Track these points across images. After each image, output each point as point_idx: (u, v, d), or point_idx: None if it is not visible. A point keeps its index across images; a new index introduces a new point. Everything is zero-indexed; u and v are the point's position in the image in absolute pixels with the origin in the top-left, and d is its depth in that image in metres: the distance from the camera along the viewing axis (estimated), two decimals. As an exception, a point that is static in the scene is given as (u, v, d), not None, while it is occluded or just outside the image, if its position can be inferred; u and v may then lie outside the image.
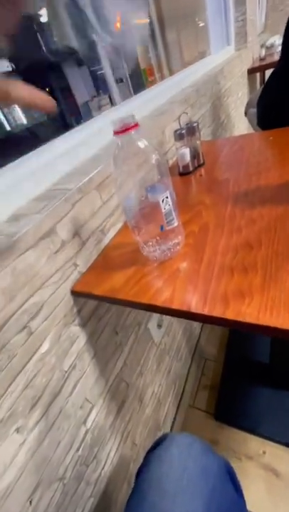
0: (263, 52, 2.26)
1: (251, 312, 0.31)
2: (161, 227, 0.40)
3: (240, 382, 1.03)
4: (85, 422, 0.52)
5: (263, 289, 0.34)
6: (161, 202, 0.37)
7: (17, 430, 0.39)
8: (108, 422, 0.59)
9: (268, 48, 2.31)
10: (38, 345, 0.41)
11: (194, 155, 0.71)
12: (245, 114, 1.22)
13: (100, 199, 0.53)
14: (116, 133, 0.32)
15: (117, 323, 0.60)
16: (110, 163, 0.37)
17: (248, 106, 1.18)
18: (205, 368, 1.13)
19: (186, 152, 0.68)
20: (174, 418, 0.95)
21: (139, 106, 0.83)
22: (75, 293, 0.46)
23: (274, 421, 0.91)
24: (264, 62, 2.10)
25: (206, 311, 0.33)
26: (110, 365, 0.59)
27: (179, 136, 0.67)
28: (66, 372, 0.47)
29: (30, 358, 0.40)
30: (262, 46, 2.32)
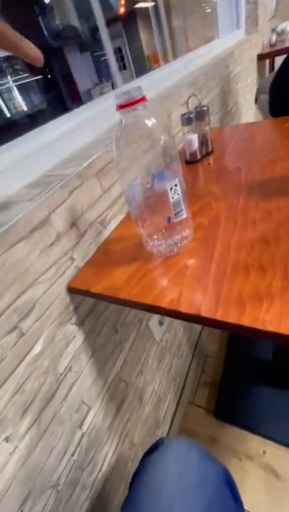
0: (274, 37, 2.15)
1: (271, 319, 0.27)
2: (168, 219, 0.36)
3: (241, 380, 1.00)
4: (81, 426, 0.49)
5: (284, 291, 0.30)
6: (169, 190, 0.33)
7: (6, 439, 0.35)
8: (106, 424, 0.56)
9: (278, 34, 2.20)
10: (29, 346, 0.37)
11: (202, 142, 0.66)
12: (256, 101, 1.15)
13: (101, 187, 0.48)
14: (120, 107, 0.27)
15: (117, 321, 0.56)
16: (112, 145, 0.33)
17: (259, 92, 1.12)
18: (206, 364, 1.10)
19: (194, 138, 0.63)
20: (174, 415, 0.93)
21: (145, 88, 0.77)
22: (71, 289, 0.42)
23: (275, 420, 0.88)
24: (274, 49, 2.00)
25: (218, 316, 0.29)
26: (109, 365, 0.55)
27: (186, 120, 0.61)
28: (61, 374, 0.43)
29: (21, 361, 0.36)
30: (273, 31, 2.21)
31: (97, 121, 0.58)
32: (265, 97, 1.03)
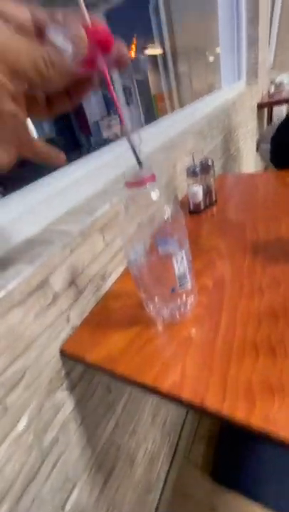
0: (272, 88, 2.32)
1: (284, 419, 0.24)
2: (173, 290, 0.34)
3: (240, 436, 0.93)
4: (63, 507, 0.43)
5: (297, 385, 0.27)
6: (175, 263, 0.31)
7: (-25, 539, 0.30)
8: (92, 499, 0.50)
9: (276, 86, 2.39)
10: (13, 423, 0.34)
11: (206, 193, 0.67)
12: (257, 149, 1.20)
13: (103, 241, 0.47)
14: (129, 185, 0.27)
15: (111, 380, 0.52)
16: (120, 211, 0.32)
17: (260, 141, 1.17)
18: (202, 416, 1.03)
19: (199, 190, 0.64)
20: (167, 475, 0.85)
21: (151, 136, 0.80)
22: (65, 353, 0.39)
23: (283, 488, 0.80)
24: (273, 99, 2.15)
25: (224, 410, 0.27)
26: (100, 430, 0.51)
27: (192, 173, 0.63)
28: (46, 449, 0.39)
29: (3, 442, 0.32)
30: (271, 83, 2.39)
31: (104, 170, 0.59)
32: (266, 146, 1.07)
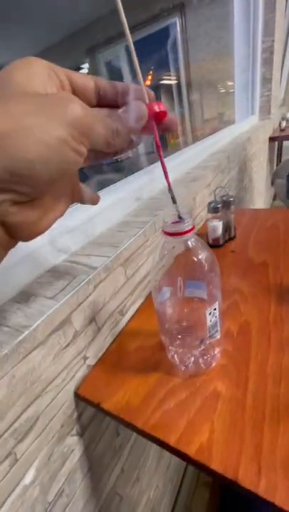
0: (284, 123, 2.41)
1: None
2: (201, 341, 0.32)
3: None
4: None
5: None
6: (207, 314, 0.30)
7: None
8: None
9: (287, 121, 2.48)
10: (21, 476, 0.31)
11: (226, 228, 0.66)
12: (272, 183, 1.22)
13: (124, 275, 0.46)
14: (167, 234, 0.26)
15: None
16: (153, 257, 0.31)
17: (275, 176, 1.19)
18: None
19: (219, 226, 0.63)
20: (166, 526, 0.77)
21: (173, 167, 0.81)
22: (79, 396, 0.37)
23: None
24: (283, 134, 2.23)
25: (261, 490, 0.24)
26: (105, 478, 0.47)
27: (213, 209, 0.62)
28: (50, 504, 0.35)
29: (7, 498, 0.29)
30: (283, 119, 2.48)
31: (125, 202, 0.59)
32: (281, 182, 1.08)
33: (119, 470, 0.51)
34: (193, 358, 0.35)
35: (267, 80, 1.99)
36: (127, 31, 0.18)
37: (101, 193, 0.57)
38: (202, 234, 0.74)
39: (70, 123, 0.14)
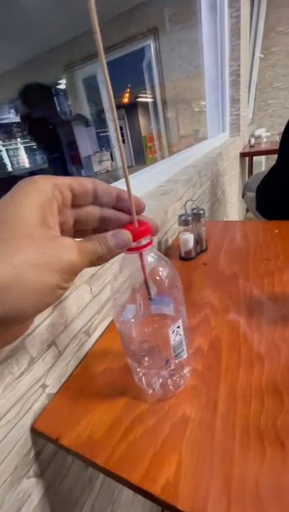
0: (253, 140, 2.55)
1: None
2: (166, 361, 0.30)
3: None
4: None
5: (314, 493, 0.23)
6: (170, 332, 0.28)
7: None
8: None
9: (256, 138, 2.65)
10: None
11: (198, 241, 0.66)
12: (243, 196, 1.26)
13: (90, 293, 0.43)
14: (129, 250, 0.25)
15: (90, 452, 0.45)
16: (113, 273, 0.29)
17: (246, 189, 1.23)
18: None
19: (190, 238, 0.63)
20: None
21: (144, 182, 0.81)
22: (36, 432, 0.33)
23: None
24: (253, 150, 2.37)
25: (231, 529, 0.22)
26: (71, 520, 0.42)
27: (184, 222, 0.62)
28: None
29: None
30: (252, 136, 2.64)
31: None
32: (251, 195, 1.12)
33: (89, 507, 0.46)
34: (161, 380, 0.33)
35: (235, 100, 2.12)
36: (104, 62, 0.17)
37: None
38: (175, 246, 0.74)
39: (64, 270, 0.16)
